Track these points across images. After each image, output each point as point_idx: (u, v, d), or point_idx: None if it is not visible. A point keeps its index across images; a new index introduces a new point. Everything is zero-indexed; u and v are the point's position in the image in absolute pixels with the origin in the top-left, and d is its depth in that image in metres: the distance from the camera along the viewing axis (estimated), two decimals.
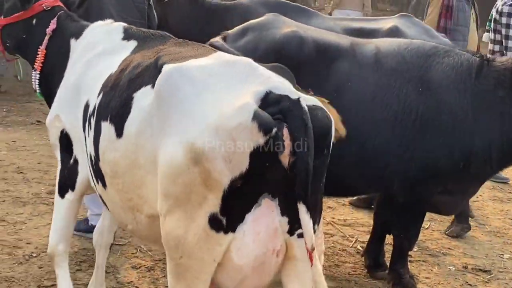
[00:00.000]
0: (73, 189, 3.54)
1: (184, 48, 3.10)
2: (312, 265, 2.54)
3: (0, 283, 4.01)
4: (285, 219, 2.56)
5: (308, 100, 2.59)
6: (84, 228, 4.82)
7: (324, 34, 4.41)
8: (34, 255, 4.31)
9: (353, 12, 10.86)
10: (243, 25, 4.53)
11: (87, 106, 3.30)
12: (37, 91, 4.00)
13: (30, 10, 3.96)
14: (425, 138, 4.03)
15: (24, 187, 5.46)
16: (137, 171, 2.85)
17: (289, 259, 2.64)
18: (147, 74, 2.94)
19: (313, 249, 2.49)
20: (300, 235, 2.56)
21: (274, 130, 2.41)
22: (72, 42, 3.76)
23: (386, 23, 5.67)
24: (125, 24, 3.65)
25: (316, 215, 2.64)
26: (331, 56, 4.18)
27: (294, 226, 2.55)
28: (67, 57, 3.73)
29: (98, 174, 3.16)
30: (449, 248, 5.18)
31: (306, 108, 2.49)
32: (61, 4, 4.07)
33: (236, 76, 2.65)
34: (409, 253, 4.52)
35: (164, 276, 3.57)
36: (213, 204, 2.50)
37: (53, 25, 3.88)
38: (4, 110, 7.76)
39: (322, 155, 2.62)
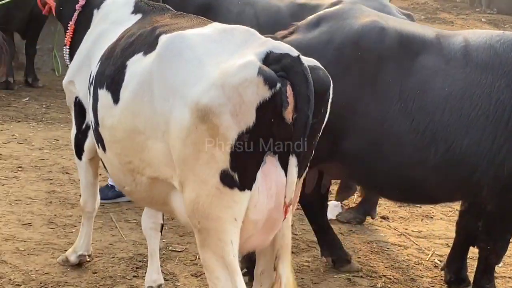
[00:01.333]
0: (83, 150, 4.12)
1: (181, 20, 3.49)
2: (285, 218, 2.95)
3: (54, 286, 4.09)
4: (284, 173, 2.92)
5: (308, 60, 2.92)
6: (113, 194, 5.36)
7: (408, 25, 4.40)
8: (88, 259, 4.38)
9: None
10: (317, 14, 4.53)
11: (90, 75, 3.71)
12: (67, 62, 4.34)
13: None
14: None
15: (71, 188, 5.57)
16: (136, 136, 3.20)
17: None
18: (142, 42, 3.33)
19: (290, 204, 2.87)
20: (298, 176, 2.95)
21: (278, 84, 2.73)
22: (94, 12, 4.13)
23: None
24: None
25: (302, 170, 3.03)
26: (416, 49, 4.14)
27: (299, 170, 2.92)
28: (88, 28, 4.09)
29: (99, 139, 3.56)
30: None
31: (306, 64, 2.84)
32: None
33: (235, 41, 3.02)
34: (495, 268, 4.48)
35: None
36: (222, 160, 2.81)
37: (82, 1, 4.19)
38: (44, 106, 7.90)
39: (320, 113, 2.96)
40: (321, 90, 2.92)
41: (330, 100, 3.06)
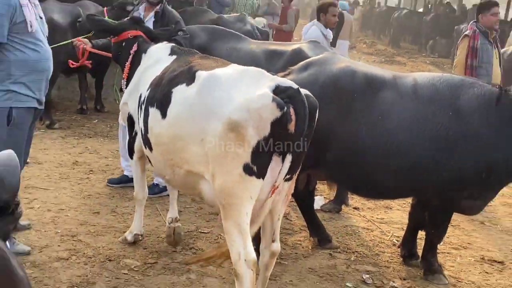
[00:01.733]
0: (134, 152, 4.16)
1: (208, 60, 3.69)
2: (270, 196, 3.17)
3: (116, 258, 4.11)
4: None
5: (304, 91, 3.17)
6: (158, 190, 5.36)
7: (371, 69, 4.40)
8: (140, 238, 4.38)
9: (344, 41, 10.99)
10: (306, 61, 4.53)
11: (140, 97, 3.85)
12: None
13: (120, 36, 4.44)
14: (455, 153, 3.97)
15: (128, 187, 5.56)
16: (177, 141, 3.37)
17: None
18: (182, 77, 3.48)
19: (276, 187, 3.15)
20: (289, 179, 3.30)
21: (285, 108, 2.99)
22: (143, 56, 4.25)
23: (293, 46, 5.84)
24: (173, 44, 4.22)
25: (296, 168, 3.28)
26: (378, 87, 4.14)
27: (290, 175, 3.24)
28: (138, 66, 4.23)
29: (147, 142, 3.71)
30: (468, 243, 5.07)
31: (303, 94, 3.11)
32: (143, 35, 4.46)
33: (250, 77, 3.22)
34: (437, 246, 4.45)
35: None
36: (246, 156, 3.05)
37: (135, 47, 4.33)
38: (108, 126, 7.90)
39: (311, 125, 3.19)
40: (312, 110, 3.17)
41: (317, 116, 3.29)
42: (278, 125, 3.00)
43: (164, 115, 3.48)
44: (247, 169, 3.06)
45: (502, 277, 4.51)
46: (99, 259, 4.06)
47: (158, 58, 4.04)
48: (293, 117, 3.01)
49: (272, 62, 5.47)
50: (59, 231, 4.44)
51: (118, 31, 4.46)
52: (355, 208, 5.66)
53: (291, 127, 3.02)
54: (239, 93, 3.10)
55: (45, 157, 6.13)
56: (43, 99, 4.05)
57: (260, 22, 9.69)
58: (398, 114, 4.07)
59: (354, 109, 4.11)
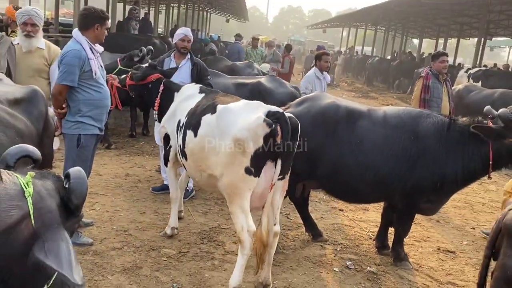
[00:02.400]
0: (169, 160, 4.22)
1: (226, 98, 3.84)
2: (270, 190, 3.34)
3: (157, 248, 4.07)
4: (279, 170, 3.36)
5: (288, 114, 3.42)
6: (187, 195, 5.32)
7: (351, 103, 4.39)
8: (176, 232, 4.37)
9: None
10: (301, 98, 4.55)
11: (179, 123, 3.95)
12: (155, 119, 4.65)
13: (146, 80, 4.56)
14: (415, 168, 3.96)
15: (167, 193, 5.52)
16: (204, 153, 3.56)
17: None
18: (208, 109, 3.67)
19: (273, 184, 3.33)
20: (282, 178, 3.46)
21: (273, 126, 3.24)
22: (175, 94, 4.33)
23: (255, 79, 6.53)
24: (201, 85, 4.33)
25: (286, 170, 3.46)
26: (356, 117, 4.14)
27: (282, 175, 3.41)
28: (172, 101, 4.31)
29: (183, 154, 3.83)
30: (427, 237, 5.01)
31: (287, 116, 3.35)
32: (162, 76, 4.58)
33: (252, 107, 3.45)
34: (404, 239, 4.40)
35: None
36: (246, 162, 3.27)
37: (162, 87, 4.47)
38: (152, 146, 7.89)
39: (294, 139, 3.37)
40: (294, 128, 3.37)
41: (299, 133, 3.46)
42: (269, 138, 3.25)
43: (196, 135, 3.66)
44: (248, 171, 3.30)
45: (455, 263, 4.45)
46: (145, 249, 4.05)
47: (190, 94, 4.14)
48: (279, 132, 3.27)
49: (239, 90, 6.14)
50: (114, 227, 4.44)
51: (144, 76, 4.58)
52: (340, 209, 5.61)
53: (278, 139, 3.27)
54: (243, 118, 3.35)
55: (104, 170, 6.16)
56: (103, 127, 4.10)
57: (266, 67, 9.76)
58: (371, 138, 4.05)
59: (338, 134, 4.10)
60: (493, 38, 28.89)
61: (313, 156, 4.09)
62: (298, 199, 4.57)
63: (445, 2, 17.58)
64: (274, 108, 3.42)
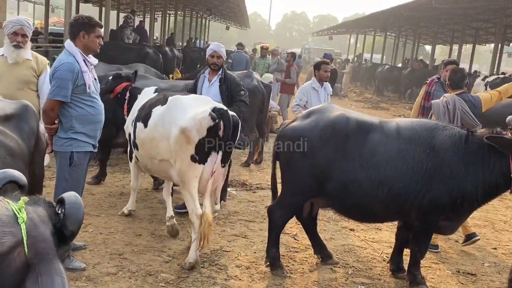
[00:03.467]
0: (133, 157, 4.88)
1: (179, 93, 4.77)
2: (211, 177, 4.09)
3: (155, 273, 4.05)
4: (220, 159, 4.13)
5: (231, 112, 4.16)
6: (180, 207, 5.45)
7: (361, 115, 4.39)
8: (133, 212, 4.38)
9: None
10: (308, 110, 4.55)
11: (133, 117, 4.71)
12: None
13: (115, 92, 5.22)
14: (433, 183, 3.93)
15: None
16: (153, 141, 4.28)
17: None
18: (159, 102, 4.40)
19: (213, 172, 4.09)
20: (224, 166, 4.25)
21: (217, 120, 3.96)
22: (138, 96, 5.02)
23: (186, 81, 6.84)
24: (157, 87, 5.18)
25: (226, 160, 4.27)
26: (367, 129, 4.12)
27: (223, 164, 4.21)
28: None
29: (135, 145, 4.59)
30: (445, 258, 4.97)
31: (229, 113, 4.08)
32: (129, 84, 5.24)
33: (201, 102, 4.21)
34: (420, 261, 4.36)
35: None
36: (192, 150, 4.00)
37: (128, 93, 5.10)
38: None
39: (234, 135, 4.11)
40: (235, 125, 4.12)
41: (239, 130, 4.24)
42: (212, 130, 3.96)
43: (146, 126, 4.37)
44: (193, 158, 4.02)
45: (476, 287, 4.40)
46: (141, 274, 4.02)
47: (146, 94, 4.91)
48: (221, 126, 3.98)
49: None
50: (108, 250, 4.42)
51: (112, 89, 5.22)
52: (351, 229, 5.58)
53: (220, 133, 4.00)
54: (191, 110, 4.03)
55: (97, 189, 6.15)
56: (97, 144, 4.10)
57: (269, 77, 9.78)
58: (384, 152, 4.03)
59: (349, 148, 4.08)
60: (511, 44, 29.00)
61: (322, 171, 4.08)
62: (306, 218, 4.55)
63: (458, 6, 17.69)
64: (219, 105, 4.21)
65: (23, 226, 1.53)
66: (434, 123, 4.27)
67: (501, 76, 16.79)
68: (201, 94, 5.28)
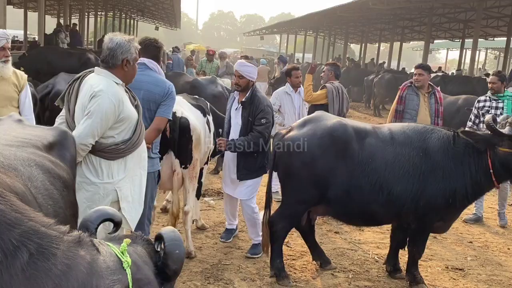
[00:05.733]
0: None
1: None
2: (173, 177, 4.38)
3: None
4: (177, 160, 4.34)
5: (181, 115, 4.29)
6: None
7: (356, 122, 4.50)
8: None
9: (262, 84, 11.50)
10: (302, 119, 4.60)
11: None
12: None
13: None
14: (427, 185, 4.11)
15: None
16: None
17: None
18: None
19: (175, 171, 4.34)
20: (185, 168, 4.40)
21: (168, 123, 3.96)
22: None
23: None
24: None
25: (185, 160, 4.37)
26: (363, 135, 4.24)
27: (183, 165, 4.38)
28: None
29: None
30: (431, 255, 5.21)
31: (179, 117, 4.23)
32: None
33: None
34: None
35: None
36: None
37: None
38: None
39: (182, 136, 4.26)
40: (183, 127, 4.25)
41: (190, 132, 4.31)
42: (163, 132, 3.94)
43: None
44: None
45: (467, 281, 4.67)
46: None
47: None
48: (168, 128, 4.10)
49: None
50: None
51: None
52: (335, 232, 5.70)
53: (168, 134, 4.14)
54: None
55: None
56: None
57: (229, 83, 9.72)
58: (382, 157, 4.16)
59: (348, 154, 4.17)
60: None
61: (323, 179, 4.15)
62: (304, 226, 4.60)
63: (391, 7, 18.61)
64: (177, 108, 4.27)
65: (128, 271, 1.50)
66: (422, 126, 4.47)
67: (440, 74, 17.87)
68: (230, 118, 4.85)
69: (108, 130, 3.06)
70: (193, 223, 5.29)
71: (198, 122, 4.60)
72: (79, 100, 3.09)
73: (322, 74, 6.64)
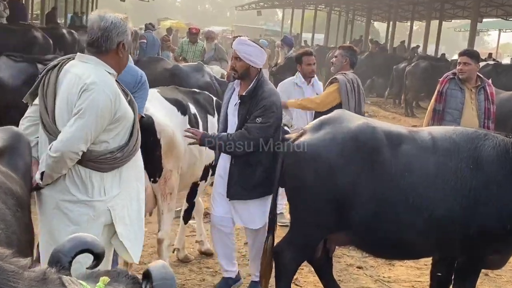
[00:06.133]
0: None
1: None
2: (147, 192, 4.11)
3: None
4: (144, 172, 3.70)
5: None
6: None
7: (386, 124, 4.54)
8: None
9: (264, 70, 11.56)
10: (318, 120, 4.61)
11: None
12: None
13: None
14: (479, 206, 4.14)
15: None
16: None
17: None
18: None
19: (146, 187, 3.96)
20: (154, 181, 4.44)
21: None
22: None
23: None
24: None
25: (154, 172, 4.40)
26: (397, 141, 4.26)
27: (152, 178, 4.41)
28: None
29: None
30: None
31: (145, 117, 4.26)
32: None
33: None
34: None
35: None
36: None
37: None
38: None
39: (147, 139, 4.09)
40: (146, 127, 4.17)
41: (155, 132, 4.34)
42: None
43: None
44: None
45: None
46: None
47: None
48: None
49: None
50: None
51: None
52: (358, 267, 5.73)
53: None
54: None
55: None
56: None
57: (219, 71, 9.74)
58: (421, 169, 4.19)
59: (378, 164, 4.18)
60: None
61: (344, 198, 4.17)
62: (319, 259, 4.61)
63: None
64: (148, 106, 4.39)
65: None
66: (473, 131, 4.50)
67: (491, 62, 17.91)
68: (226, 114, 4.75)
69: (101, 134, 3.03)
70: (173, 252, 5.30)
71: (170, 121, 4.53)
72: (61, 94, 3.04)
73: (334, 59, 6.47)
